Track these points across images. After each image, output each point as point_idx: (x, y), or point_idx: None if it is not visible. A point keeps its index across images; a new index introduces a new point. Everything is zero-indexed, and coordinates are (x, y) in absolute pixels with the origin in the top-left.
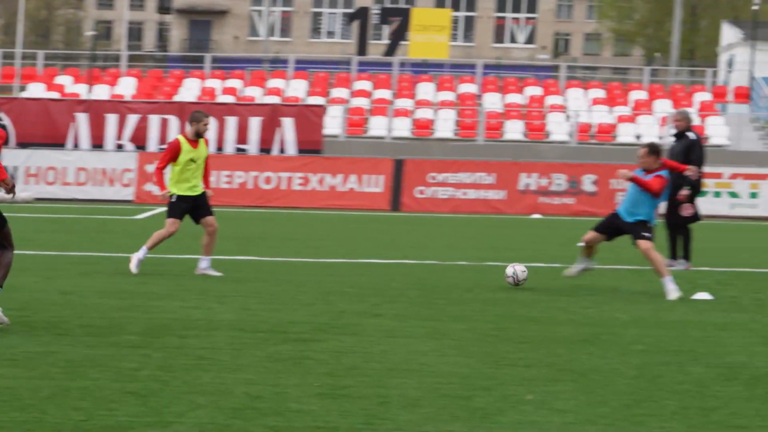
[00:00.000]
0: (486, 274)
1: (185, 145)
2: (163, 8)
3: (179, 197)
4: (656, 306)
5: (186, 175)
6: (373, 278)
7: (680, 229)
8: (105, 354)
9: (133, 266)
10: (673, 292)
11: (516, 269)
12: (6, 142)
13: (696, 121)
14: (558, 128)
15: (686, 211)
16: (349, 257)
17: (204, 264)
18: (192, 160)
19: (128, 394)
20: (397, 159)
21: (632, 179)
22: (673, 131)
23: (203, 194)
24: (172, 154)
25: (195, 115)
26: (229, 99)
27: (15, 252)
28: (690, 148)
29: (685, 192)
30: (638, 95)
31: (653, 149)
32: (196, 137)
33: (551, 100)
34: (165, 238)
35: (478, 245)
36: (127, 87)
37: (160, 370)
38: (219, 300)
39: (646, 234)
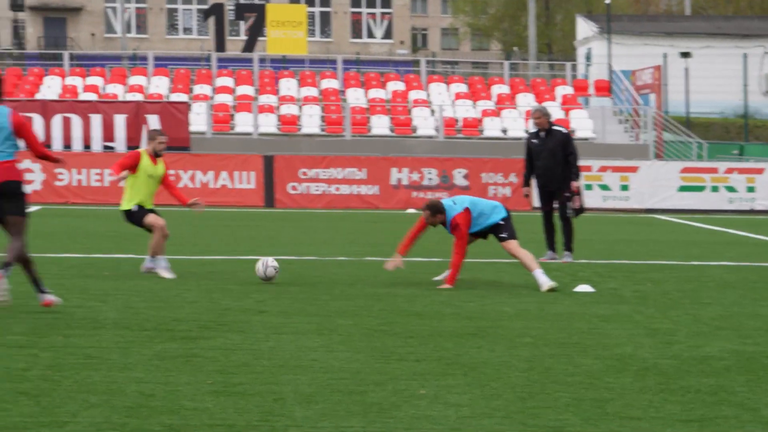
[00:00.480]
0: (366, 269)
1: (146, 160)
2: (16, 5)
3: (138, 205)
4: (539, 299)
5: (142, 189)
6: (254, 275)
7: (566, 222)
8: None
9: (168, 275)
10: (545, 283)
11: (267, 263)
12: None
13: (560, 114)
14: (424, 123)
15: (575, 203)
16: (229, 254)
17: (150, 263)
18: (150, 176)
19: (20, 395)
20: (267, 155)
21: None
22: (535, 129)
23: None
24: (131, 162)
25: (150, 133)
26: (91, 96)
27: None
28: (566, 143)
29: (576, 184)
30: (500, 89)
31: (435, 209)
32: (155, 155)
33: (414, 95)
34: (162, 239)
35: (356, 240)
36: None
37: (49, 370)
38: (101, 299)
39: (504, 234)
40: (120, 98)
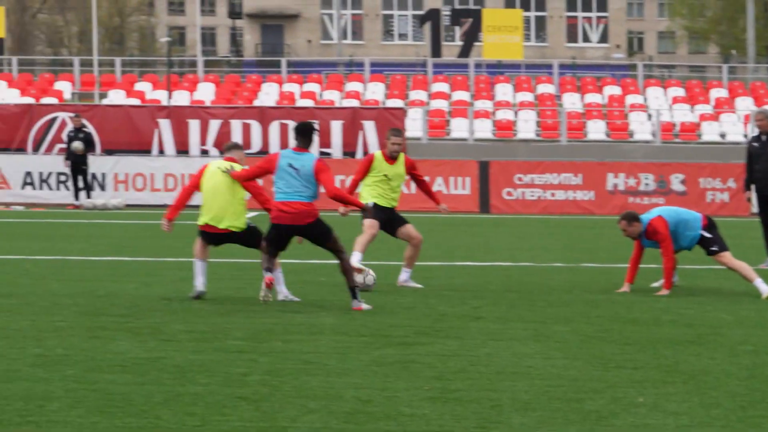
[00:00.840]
0: (582, 275)
1: (380, 161)
2: (234, 13)
3: (376, 204)
4: (760, 306)
5: (377, 189)
6: (470, 280)
7: None
8: (212, 359)
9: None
10: (766, 291)
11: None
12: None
13: None
14: (641, 128)
15: None
16: (444, 260)
17: (404, 276)
18: (387, 177)
19: (240, 399)
20: (482, 161)
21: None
22: (756, 132)
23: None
24: (362, 166)
25: (387, 133)
26: (308, 103)
27: (114, 258)
28: None
29: None
30: (718, 93)
31: (631, 217)
32: (390, 156)
33: (631, 99)
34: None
35: (572, 246)
36: (206, 92)
37: (268, 375)
38: (319, 304)
39: (715, 248)
40: (336, 104)
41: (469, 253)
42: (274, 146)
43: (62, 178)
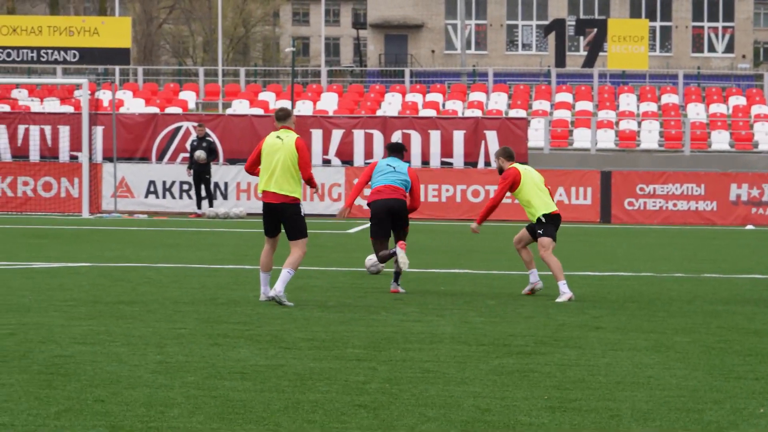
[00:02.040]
0: (704, 286)
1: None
2: (358, 23)
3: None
4: None
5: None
6: (590, 290)
7: None
8: (331, 367)
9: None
10: None
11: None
12: (216, 157)
13: None
14: (765, 138)
15: None
16: (564, 269)
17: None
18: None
19: (358, 407)
20: (604, 171)
21: None
22: None
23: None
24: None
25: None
26: (430, 113)
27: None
28: None
29: None
30: None
31: None
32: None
33: (756, 109)
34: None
35: (693, 257)
36: (329, 102)
37: (387, 383)
38: (438, 313)
39: None
40: (459, 114)
41: (589, 262)
42: None
43: (185, 186)
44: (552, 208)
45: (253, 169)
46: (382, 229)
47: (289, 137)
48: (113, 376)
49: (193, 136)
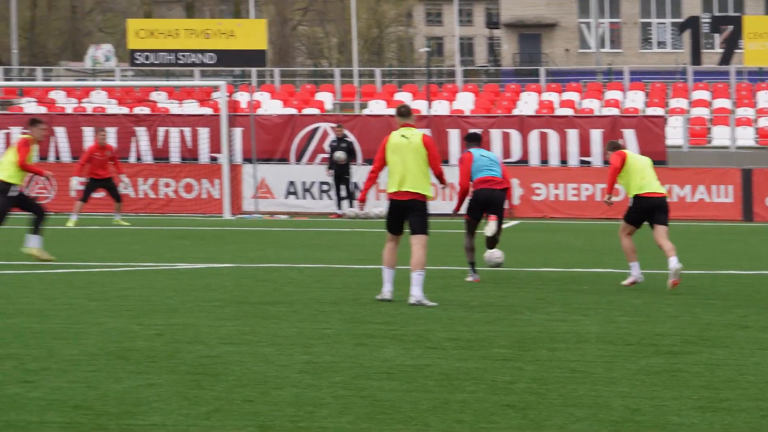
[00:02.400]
0: None
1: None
2: (492, 23)
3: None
4: None
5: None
6: (736, 289)
7: None
8: (478, 367)
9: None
10: None
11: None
12: (355, 157)
13: None
14: None
15: None
16: (707, 268)
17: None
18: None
19: (506, 407)
20: (745, 168)
21: None
22: None
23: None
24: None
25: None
26: (567, 112)
27: (377, 266)
28: None
29: None
30: None
31: None
32: None
33: None
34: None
35: None
36: (465, 102)
37: (534, 383)
38: (583, 313)
39: None
40: (596, 113)
41: (734, 261)
42: (533, 155)
43: (325, 187)
44: (644, 190)
45: (381, 170)
46: (476, 214)
47: (415, 135)
48: (261, 377)
49: (332, 136)
